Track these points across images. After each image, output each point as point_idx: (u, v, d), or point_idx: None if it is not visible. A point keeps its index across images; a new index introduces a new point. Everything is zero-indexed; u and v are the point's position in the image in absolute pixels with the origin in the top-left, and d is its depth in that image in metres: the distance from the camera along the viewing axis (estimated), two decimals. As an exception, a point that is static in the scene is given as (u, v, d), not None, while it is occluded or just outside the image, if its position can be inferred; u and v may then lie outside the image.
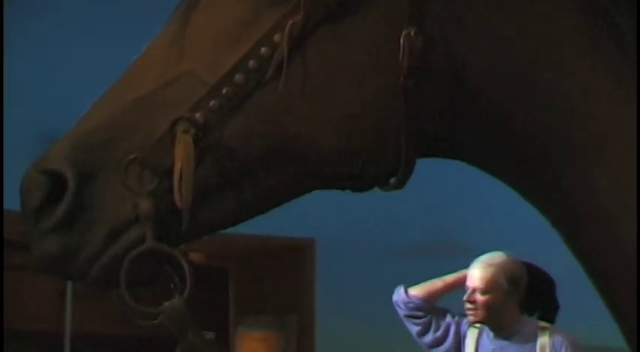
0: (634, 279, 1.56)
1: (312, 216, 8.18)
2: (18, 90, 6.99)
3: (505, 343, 5.09)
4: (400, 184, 1.65)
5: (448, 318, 5.25)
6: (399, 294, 5.33)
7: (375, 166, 1.61)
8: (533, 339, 5.06)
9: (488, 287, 4.97)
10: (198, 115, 1.53)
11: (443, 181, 8.41)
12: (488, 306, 4.98)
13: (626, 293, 1.59)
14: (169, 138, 1.53)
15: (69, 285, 8.33)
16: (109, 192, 1.54)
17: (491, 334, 5.11)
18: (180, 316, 1.53)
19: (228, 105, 1.54)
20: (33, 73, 7.55)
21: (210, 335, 1.56)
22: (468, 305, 5.04)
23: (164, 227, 1.53)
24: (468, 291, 5.03)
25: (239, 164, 1.55)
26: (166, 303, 1.53)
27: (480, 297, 4.98)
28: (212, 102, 1.54)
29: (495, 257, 5.08)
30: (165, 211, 1.53)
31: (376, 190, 1.71)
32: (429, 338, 5.24)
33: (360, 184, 1.66)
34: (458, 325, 5.23)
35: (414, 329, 5.27)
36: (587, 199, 1.59)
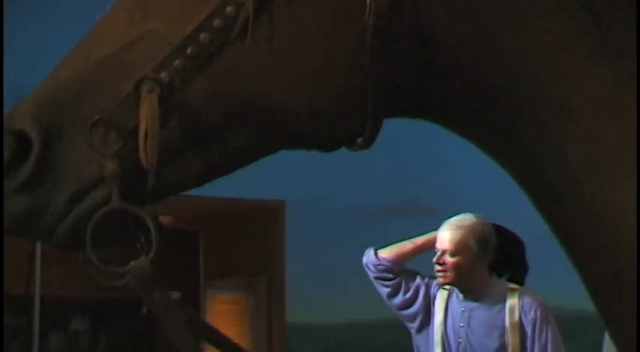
0: (600, 236, 1.57)
1: (282, 178, 8.20)
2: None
3: (474, 305, 5.11)
4: (367, 144, 1.64)
5: (418, 280, 5.26)
6: (368, 256, 5.33)
7: (342, 126, 1.60)
8: (502, 301, 5.08)
9: (458, 249, 4.98)
10: (162, 75, 1.52)
11: (412, 143, 8.44)
12: (457, 268, 5.00)
13: (590, 249, 1.59)
14: (134, 98, 1.52)
15: (38, 249, 8.31)
16: (75, 153, 1.53)
17: (460, 296, 5.13)
18: (146, 276, 1.53)
19: (193, 64, 1.53)
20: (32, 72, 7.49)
21: (176, 294, 1.56)
22: (438, 267, 5.06)
23: (130, 187, 1.52)
24: (438, 253, 5.04)
25: (204, 124, 1.55)
26: (132, 263, 1.53)
27: (449, 259, 5.00)
28: (177, 62, 1.53)
29: (465, 219, 5.10)
30: (130, 171, 1.52)
31: (346, 152, 1.71)
32: (398, 300, 5.26)
33: (327, 144, 1.66)
34: (427, 287, 5.24)
35: (384, 291, 5.29)
36: (552, 162, 1.58)
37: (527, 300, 5.05)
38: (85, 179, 1.53)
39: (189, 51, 1.53)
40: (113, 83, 1.54)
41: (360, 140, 1.64)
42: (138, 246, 1.56)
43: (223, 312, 8.96)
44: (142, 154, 1.50)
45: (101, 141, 1.52)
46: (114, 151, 1.51)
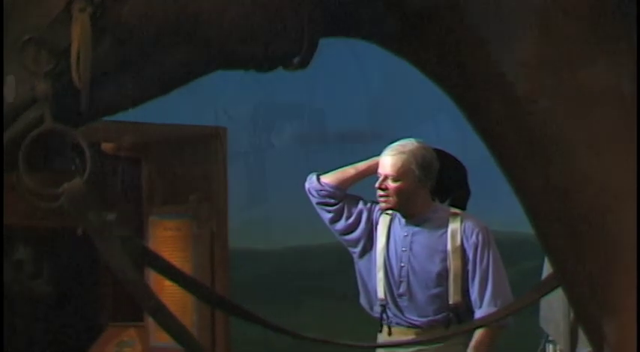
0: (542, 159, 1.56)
1: (223, 104, 8.16)
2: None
3: (417, 229, 5.14)
4: (303, 64, 1.61)
5: (360, 205, 5.28)
6: (311, 182, 5.33)
7: (277, 44, 1.57)
8: (444, 225, 5.12)
9: (400, 174, 5.00)
10: None
11: (355, 68, 8.40)
12: (399, 193, 5.02)
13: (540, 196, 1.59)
14: (66, 17, 1.47)
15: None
16: (6, 73, 1.49)
17: (403, 220, 5.16)
18: (80, 197, 1.50)
19: None
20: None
21: (111, 216, 1.53)
22: (380, 192, 5.07)
23: (63, 108, 1.49)
24: (380, 178, 5.05)
25: (138, 44, 1.51)
26: (66, 184, 1.50)
27: (391, 184, 5.01)
28: None
29: (407, 144, 5.10)
30: (63, 92, 1.49)
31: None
32: (341, 225, 5.27)
33: (263, 63, 1.62)
34: (370, 212, 5.26)
35: (327, 216, 5.30)
36: (486, 80, 1.57)
37: (469, 225, 5.09)
38: (17, 100, 1.49)
39: None
40: (44, 2, 1.50)
41: (296, 60, 1.61)
42: (73, 168, 1.54)
43: (167, 239, 8.92)
44: (74, 75, 1.47)
45: (33, 60, 1.48)
46: (46, 71, 1.48)
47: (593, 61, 1.53)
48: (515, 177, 1.62)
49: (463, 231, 5.08)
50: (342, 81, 9.07)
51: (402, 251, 5.14)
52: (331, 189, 5.28)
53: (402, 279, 5.13)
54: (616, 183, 1.52)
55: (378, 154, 5.17)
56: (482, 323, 4.70)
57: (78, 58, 1.46)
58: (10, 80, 1.48)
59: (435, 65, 1.62)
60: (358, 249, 5.27)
